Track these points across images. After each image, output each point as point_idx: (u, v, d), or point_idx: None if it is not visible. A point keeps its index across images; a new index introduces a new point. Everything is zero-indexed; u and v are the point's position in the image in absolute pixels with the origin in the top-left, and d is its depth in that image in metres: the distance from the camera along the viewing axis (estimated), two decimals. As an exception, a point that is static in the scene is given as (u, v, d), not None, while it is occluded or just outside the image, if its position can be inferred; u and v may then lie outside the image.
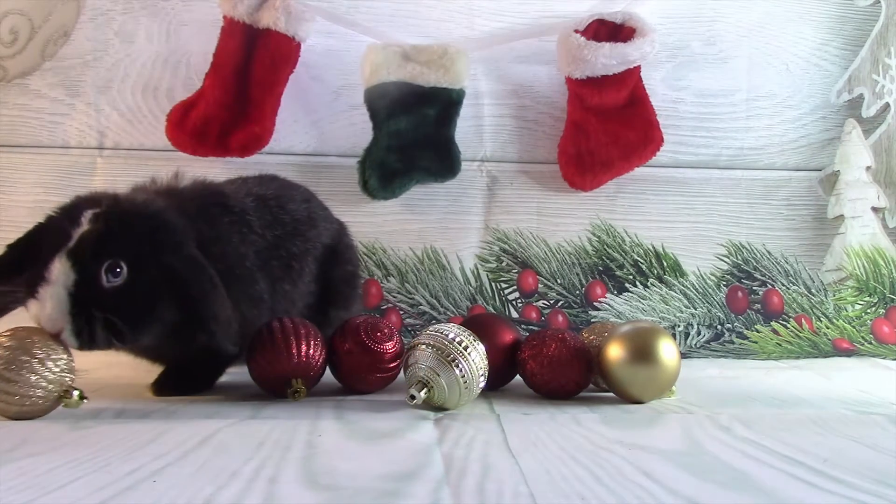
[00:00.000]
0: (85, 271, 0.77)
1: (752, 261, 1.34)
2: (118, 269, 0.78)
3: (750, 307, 1.33)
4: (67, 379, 0.76)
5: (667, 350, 0.85)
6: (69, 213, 0.81)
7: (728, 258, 1.34)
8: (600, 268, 1.33)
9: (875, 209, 1.35)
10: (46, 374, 0.75)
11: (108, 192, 0.86)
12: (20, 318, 0.80)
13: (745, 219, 1.35)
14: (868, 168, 1.36)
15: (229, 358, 0.92)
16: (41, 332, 0.77)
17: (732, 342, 1.31)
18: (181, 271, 0.80)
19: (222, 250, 0.88)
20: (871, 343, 1.32)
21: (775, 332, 1.32)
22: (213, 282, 0.81)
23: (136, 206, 0.83)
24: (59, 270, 0.76)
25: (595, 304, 1.32)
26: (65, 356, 0.77)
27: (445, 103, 1.27)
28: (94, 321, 0.77)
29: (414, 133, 1.27)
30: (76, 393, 0.76)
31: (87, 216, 0.79)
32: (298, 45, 1.26)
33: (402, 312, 1.30)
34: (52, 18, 1.30)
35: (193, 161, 1.29)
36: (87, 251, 0.77)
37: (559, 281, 1.32)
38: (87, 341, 0.77)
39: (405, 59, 1.26)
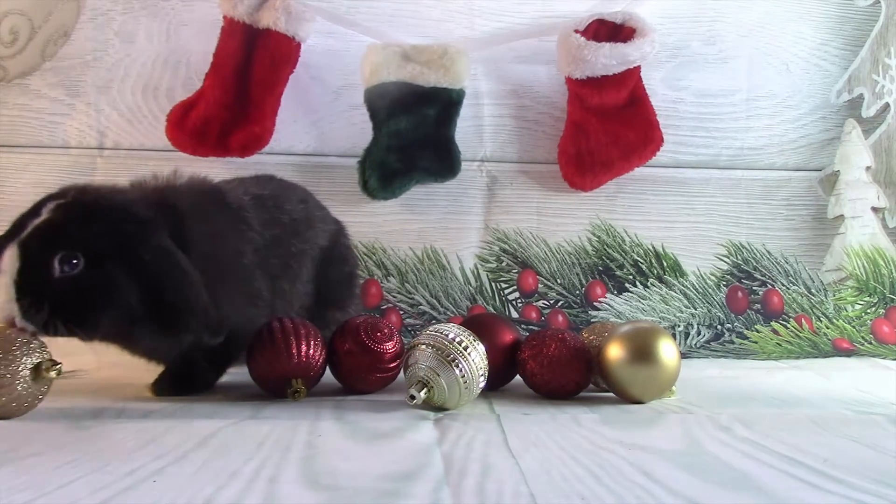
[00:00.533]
0: (31, 260, 0.77)
1: (752, 261, 1.34)
2: (74, 261, 0.77)
3: (750, 307, 1.33)
4: (40, 361, 0.76)
5: (667, 350, 0.85)
6: (35, 206, 0.82)
7: (728, 258, 1.34)
8: (600, 268, 1.33)
9: (875, 209, 1.35)
10: (24, 365, 0.75)
11: (80, 184, 0.87)
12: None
13: (744, 219, 1.35)
14: (868, 168, 1.36)
15: (229, 358, 0.92)
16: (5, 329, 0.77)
17: (732, 342, 1.31)
18: (149, 262, 0.79)
19: (219, 246, 0.88)
20: (870, 343, 1.32)
21: (775, 332, 1.32)
22: (183, 269, 0.80)
23: (101, 197, 0.83)
24: (7, 260, 0.77)
25: (595, 304, 1.32)
26: (35, 346, 0.77)
27: (445, 103, 1.27)
28: (42, 309, 0.77)
29: (414, 133, 1.27)
30: (45, 365, 0.76)
31: (48, 207, 0.80)
32: (298, 45, 1.26)
33: (402, 312, 1.30)
34: (52, 18, 1.30)
35: (193, 161, 1.29)
36: (36, 240, 0.78)
37: (559, 281, 1.32)
38: (41, 329, 0.78)
39: (405, 60, 1.26)
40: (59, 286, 0.77)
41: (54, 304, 0.77)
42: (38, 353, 0.77)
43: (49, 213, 0.79)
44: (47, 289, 0.77)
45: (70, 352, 0.87)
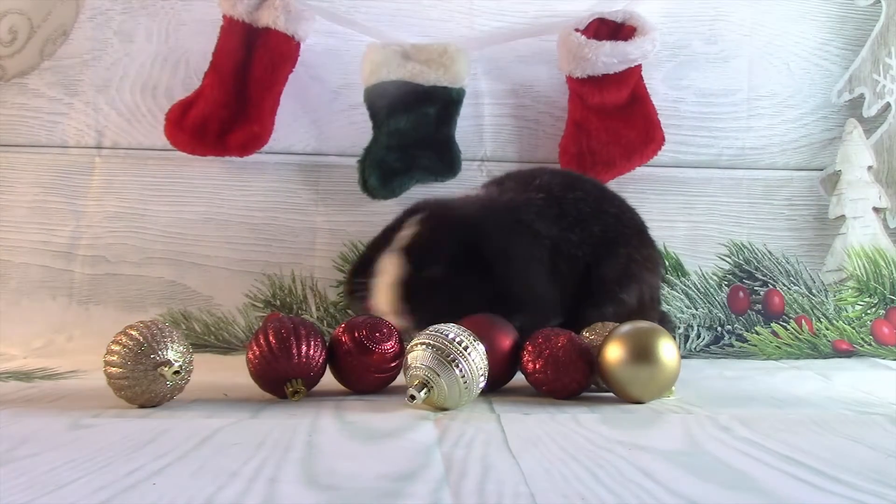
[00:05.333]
0: (409, 266, 0.92)
1: (754, 261, 1.34)
2: (436, 266, 0.93)
3: (751, 307, 1.33)
4: (182, 361, 0.82)
5: (667, 350, 0.85)
6: (397, 220, 0.99)
7: (729, 258, 1.34)
8: (600, 267, 1.32)
9: (876, 209, 1.35)
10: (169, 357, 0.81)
11: (434, 199, 1.03)
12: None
13: (746, 219, 1.35)
14: (869, 168, 1.36)
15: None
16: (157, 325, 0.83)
17: (732, 345, 1.31)
18: (493, 263, 0.94)
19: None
20: (870, 345, 1.32)
21: (775, 333, 1.32)
22: (521, 264, 0.95)
23: (454, 209, 0.99)
24: (388, 265, 0.93)
25: (595, 303, 1.31)
26: (181, 346, 0.83)
27: (445, 102, 1.27)
28: (415, 309, 0.92)
29: (414, 132, 1.27)
30: (169, 369, 0.80)
31: (413, 220, 0.96)
32: (298, 45, 1.26)
33: (401, 312, 1.30)
34: (51, 18, 1.30)
35: (192, 160, 1.29)
36: (415, 249, 0.93)
37: (559, 281, 1.32)
38: (414, 325, 0.91)
39: (405, 59, 1.26)
40: (425, 288, 0.92)
41: (421, 304, 0.92)
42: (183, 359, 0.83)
43: (417, 225, 0.95)
44: (418, 290, 0.92)
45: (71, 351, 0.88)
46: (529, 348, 0.91)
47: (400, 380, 0.89)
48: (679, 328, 1.31)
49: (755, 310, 1.33)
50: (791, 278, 1.34)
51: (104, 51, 1.31)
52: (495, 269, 0.93)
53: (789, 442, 0.69)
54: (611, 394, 0.90)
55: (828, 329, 1.32)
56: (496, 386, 0.94)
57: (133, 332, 0.81)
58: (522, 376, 0.93)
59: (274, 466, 0.59)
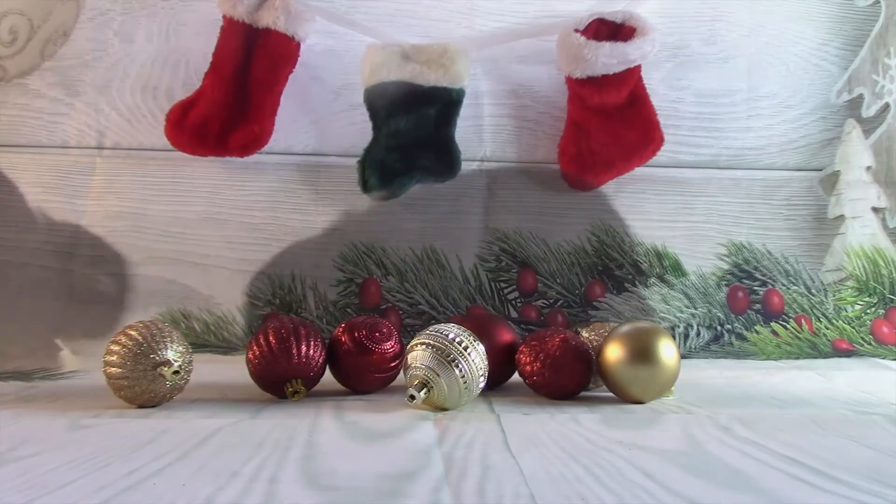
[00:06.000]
0: None
1: (753, 260, 1.34)
2: None
3: (750, 307, 1.33)
4: (181, 361, 0.82)
5: (667, 350, 0.85)
6: None
7: (728, 258, 1.34)
8: (599, 268, 1.33)
9: (875, 209, 1.36)
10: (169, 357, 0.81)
11: None
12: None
13: (745, 219, 1.35)
14: (868, 168, 1.36)
15: None
16: (158, 325, 0.83)
17: (732, 344, 1.31)
18: None
19: None
20: (870, 344, 1.32)
21: (775, 333, 1.32)
22: None
23: None
24: None
25: (594, 303, 1.32)
26: (181, 346, 0.83)
27: (445, 103, 1.27)
28: None
29: (414, 133, 1.27)
30: (169, 369, 0.80)
31: None
32: (298, 45, 1.26)
33: (401, 312, 1.30)
34: (51, 18, 1.30)
35: (193, 160, 1.29)
36: None
37: (559, 280, 1.32)
38: None
39: (405, 59, 1.26)
40: None
41: None
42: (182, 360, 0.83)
43: None
44: None
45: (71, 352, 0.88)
46: (525, 350, 0.91)
47: (400, 380, 0.89)
48: (679, 327, 1.31)
49: (755, 309, 1.33)
50: (790, 278, 1.34)
51: (105, 51, 1.31)
52: None
53: (789, 442, 0.69)
54: (611, 394, 0.90)
55: (828, 329, 1.32)
56: (494, 384, 0.95)
57: (133, 332, 0.81)
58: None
59: (274, 466, 0.59)
